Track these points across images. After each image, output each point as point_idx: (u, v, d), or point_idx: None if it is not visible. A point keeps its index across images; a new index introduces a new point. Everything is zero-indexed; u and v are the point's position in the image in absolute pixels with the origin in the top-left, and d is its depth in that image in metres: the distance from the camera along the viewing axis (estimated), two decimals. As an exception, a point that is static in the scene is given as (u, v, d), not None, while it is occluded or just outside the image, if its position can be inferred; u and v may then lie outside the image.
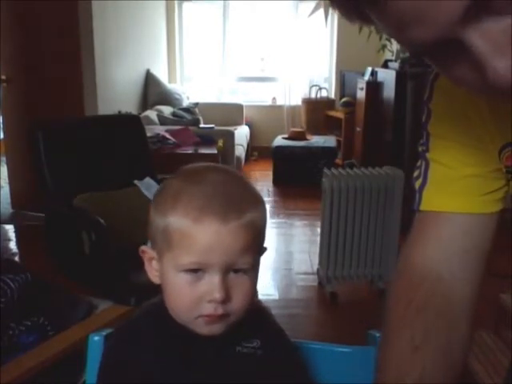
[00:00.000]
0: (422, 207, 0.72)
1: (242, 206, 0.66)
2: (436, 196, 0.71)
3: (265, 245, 0.73)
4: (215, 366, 0.70)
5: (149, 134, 3.41)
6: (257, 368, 0.71)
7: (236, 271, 0.67)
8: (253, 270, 0.69)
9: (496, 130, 0.66)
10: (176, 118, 5.30)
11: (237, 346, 0.72)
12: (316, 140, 5.50)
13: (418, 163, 0.74)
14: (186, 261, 0.65)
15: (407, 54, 4.18)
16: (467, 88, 0.49)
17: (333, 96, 6.36)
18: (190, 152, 4.19)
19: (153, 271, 0.72)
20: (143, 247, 0.73)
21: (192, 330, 0.69)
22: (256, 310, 0.75)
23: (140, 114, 4.85)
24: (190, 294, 0.67)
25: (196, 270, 0.66)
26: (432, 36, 0.40)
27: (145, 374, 0.69)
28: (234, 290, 0.67)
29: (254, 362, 0.72)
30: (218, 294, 0.65)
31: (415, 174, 0.75)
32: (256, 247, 0.69)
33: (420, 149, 0.74)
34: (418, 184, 0.73)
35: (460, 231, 0.70)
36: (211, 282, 0.66)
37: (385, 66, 4.65)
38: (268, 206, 4.71)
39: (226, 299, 0.66)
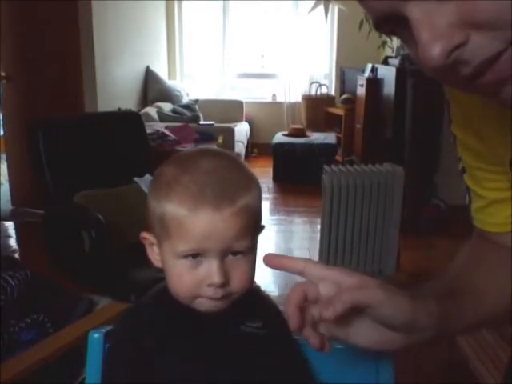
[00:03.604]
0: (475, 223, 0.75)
1: (235, 192, 0.68)
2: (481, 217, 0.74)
3: (263, 224, 0.75)
4: (221, 343, 0.74)
5: (149, 131, 3.41)
6: (260, 346, 0.75)
7: (234, 254, 0.70)
8: (251, 252, 0.71)
9: (503, 145, 0.65)
10: (176, 115, 5.29)
11: (241, 324, 0.75)
12: (316, 137, 5.50)
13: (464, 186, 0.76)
14: (183, 248, 0.68)
15: (407, 51, 4.17)
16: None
17: (333, 93, 6.35)
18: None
19: (154, 255, 0.75)
20: (144, 233, 0.75)
21: (197, 311, 0.72)
22: (256, 293, 0.78)
23: (140, 110, 4.85)
24: (190, 278, 0.69)
25: (194, 256, 0.68)
26: (381, 8, 0.41)
27: (156, 354, 0.72)
28: (233, 272, 0.70)
29: (257, 340, 0.75)
30: (216, 279, 0.68)
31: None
32: (252, 229, 0.71)
33: (460, 167, 0.75)
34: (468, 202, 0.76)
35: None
36: (209, 267, 0.68)
37: (385, 62, 4.64)
38: (268, 203, 4.71)
39: (225, 282, 0.69)
